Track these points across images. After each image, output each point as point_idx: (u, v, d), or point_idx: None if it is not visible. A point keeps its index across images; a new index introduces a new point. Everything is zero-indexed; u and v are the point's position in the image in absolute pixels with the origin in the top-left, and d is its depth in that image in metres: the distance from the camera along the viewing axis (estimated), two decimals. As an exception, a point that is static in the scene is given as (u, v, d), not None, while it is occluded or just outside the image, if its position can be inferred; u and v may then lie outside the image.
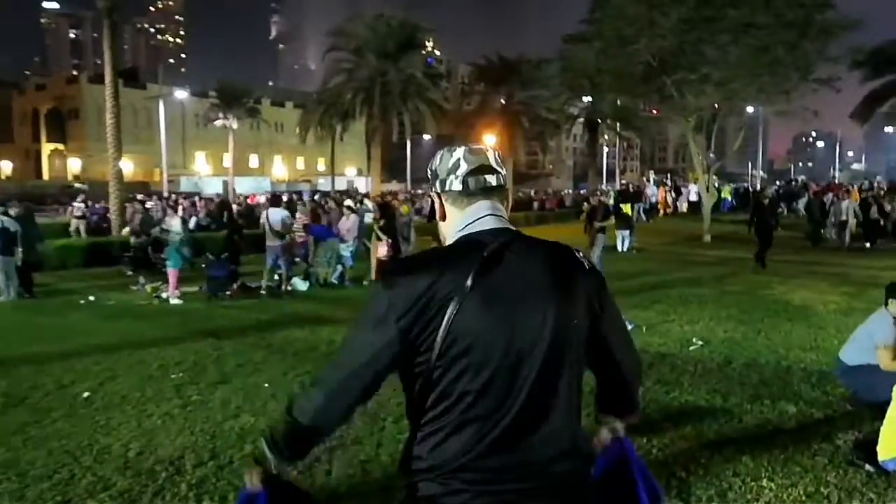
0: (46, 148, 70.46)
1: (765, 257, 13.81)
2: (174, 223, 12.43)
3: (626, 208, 24.34)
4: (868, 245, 17.45)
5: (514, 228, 1.50)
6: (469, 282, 1.35)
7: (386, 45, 34.20)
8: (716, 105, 22.51)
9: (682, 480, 3.90)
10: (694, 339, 7.44)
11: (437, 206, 1.56)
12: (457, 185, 1.51)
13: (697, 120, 21.96)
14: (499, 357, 1.36)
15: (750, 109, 28.91)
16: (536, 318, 1.39)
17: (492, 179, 1.52)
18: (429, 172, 1.60)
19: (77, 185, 54.57)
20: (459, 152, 1.54)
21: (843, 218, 17.76)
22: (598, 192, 28.22)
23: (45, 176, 68.13)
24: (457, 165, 1.51)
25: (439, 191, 1.55)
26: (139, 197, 25.45)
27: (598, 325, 1.50)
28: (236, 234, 12.90)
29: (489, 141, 41.87)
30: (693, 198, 32.04)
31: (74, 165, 67.67)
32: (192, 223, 21.69)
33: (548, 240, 1.54)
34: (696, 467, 4.06)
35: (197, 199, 29.12)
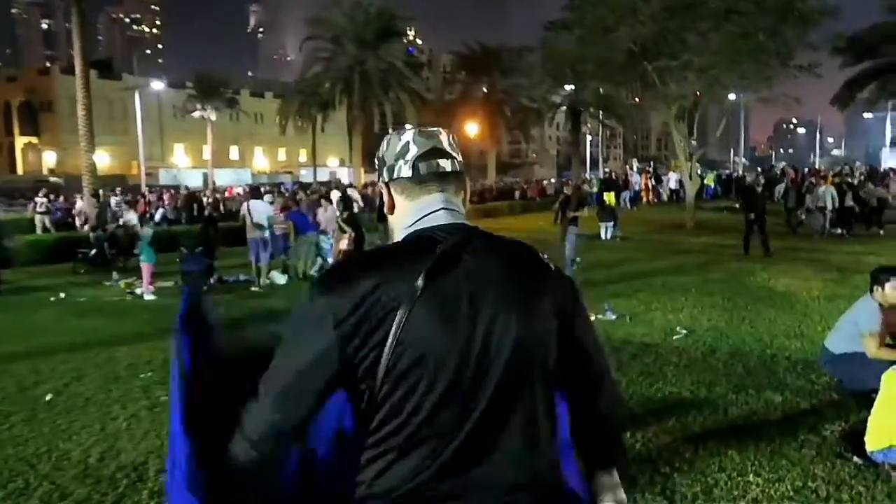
0: (20, 141, 69.04)
1: (749, 241, 13.68)
2: (130, 217, 12.14)
3: (610, 198, 24.31)
4: (843, 232, 17.06)
5: (470, 224, 1.32)
6: (419, 285, 1.17)
7: (364, 34, 33.84)
8: (697, 93, 22.47)
9: (666, 476, 3.77)
10: (678, 329, 7.33)
11: (385, 197, 1.37)
12: (405, 171, 1.32)
13: (679, 108, 21.87)
14: (453, 371, 1.17)
15: (732, 97, 28.94)
16: (496, 327, 1.20)
17: (445, 164, 1.33)
18: (376, 161, 1.41)
19: (52, 178, 53.63)
20: (408, 134, 1.34)
21: (821, 204, 17.48)
22: (583, 181, 28.16)
23: (20, 170, 66.88)
24: (405, 149, 1.32)
25: (387, 179, 1.36)
26: (100, 192, 24.83)
27: (569, 335, 1.31)
28: (211, 227, 12.60)
29: (472, 130, 41.66)
30: (673, 185, 31.89)
31: (49, 159, 66.45)
32: (157, 216, 21.29)
33: (510, 238, 1.36)
34: (681, 462, 3.93)
35: (164, 192, 28.65)
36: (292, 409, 1.21)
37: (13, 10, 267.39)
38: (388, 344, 1.15)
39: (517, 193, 35.36)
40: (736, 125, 63.46)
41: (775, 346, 6.64)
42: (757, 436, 4.30)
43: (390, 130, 1.45)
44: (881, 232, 17.44)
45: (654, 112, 32.47)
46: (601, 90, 32.73)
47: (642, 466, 3.85)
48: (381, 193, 1.40)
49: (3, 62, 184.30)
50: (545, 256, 1.34)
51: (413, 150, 1.32)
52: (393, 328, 1.15)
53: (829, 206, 17.20)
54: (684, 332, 7.22)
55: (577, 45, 21.38)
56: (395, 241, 1.33)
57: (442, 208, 1.30)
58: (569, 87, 39.14)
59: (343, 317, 1.16)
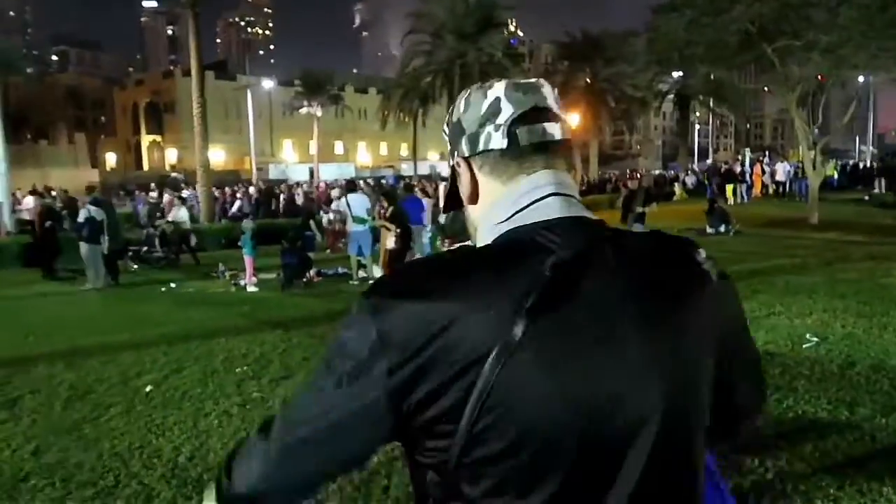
0: (146, 140, 74.27)
1: None
2: (181, 214, 12.40)
3: (729, 191, 22.86)
4: None
5: (592, 217, 0.90)
6: (520, 324, 0.76)
7: (464, 26, 33.58)
8: (819, 76, 20.66)
9: (805, 516, 3.22)
10: (807, 336, 6.54)
11: (463, 180, 0.95)
12: (497, 141, 0.90)
13: (802, 92, 20.19)
14: (573, 454, 0.78)
15: (860, 79, 26.51)
16: (640, 384, 0.81)
17: (554, 130, 0.91)
18: (445, 129, 0.99)
19: (174, 174, 57.26)
20: (498, 88, 0.92)
21: None
22: (645, 174, 26.74)
23: (145, 166, 71.85)
24: (495, 109, 0.90)
25: (467, 154, 0.93)
26: (152, 187, 25.82)
27: (726, 368, 0.91)
28: (311, 220, 12.74)
29: (573, 121, 40.61)
30: (781, 177, 29.64)
31: (171, 156, 71.00)
32: (234, 209, 21.90)
33: (651, 234, 0.93)
34: (824, 499, 3.35)
35: (240, 187, 29.17)
36: (300, 468, 0.85)
37: (142, 19, 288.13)
38: (468, 410, 0.76)
39: (609, 187, 33.59)
40: (863, 110, 58.53)
41: (927, 359, 5.77)
42: (916, 471, 3.64)
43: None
44: None
45: (770, 98, 30.37)
46: (712, 76, 30.89)
47: (775, 502, 3.31)
48: (454, 176, 0.98)
49: (133, 67, 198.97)
50: (701, 254, 0.92)
51: (507, 111, 0.90)
52: (477, 388, 0.76)
53: None
54: (815, 339, 6.43)
55: (686, 27, 20.13)
56: (479, 244, 0.92)
57: (552, 193, 0.88)
58: (676, 74, 37.30)
59: (401, 360, 0.78)
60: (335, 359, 0.83)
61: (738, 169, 30.48)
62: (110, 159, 76.55)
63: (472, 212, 0.96)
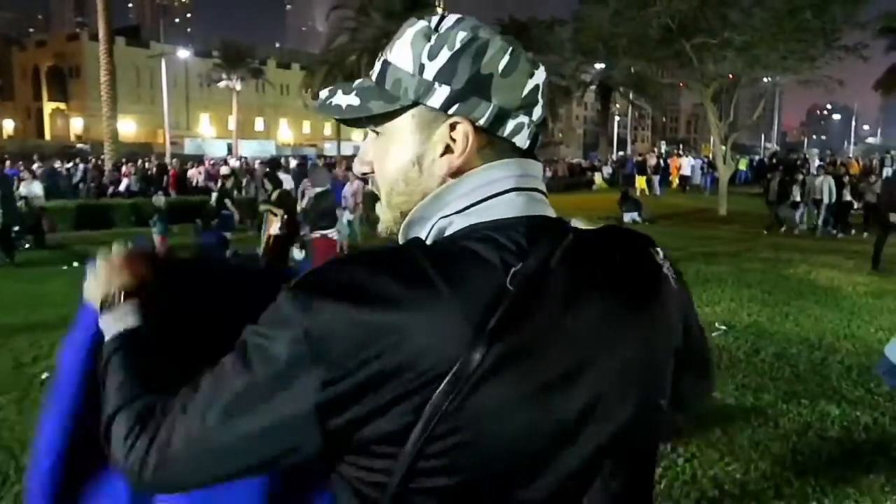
0: (48, 107, 69.61)
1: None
2: (33, 188, 11.70)
3: (641, 182, 23.48)
4: (835, 232, 14.55)
5: (553, 215, 0.80)
6: (480, 346, 0.66)
7: (392, 4, 33.09)
8: (731, 75, 21.60)
9: (714, 502, 3.32)
10: (716, 324, 6.82)
11: (457, 149, 0.76)
12: (522, 139, 0.78)
13: (716, 88, 21.04)
14: (530, 488, 0.71)
15: (766, 79, 27.92)
16: (606, 411, 0.73)
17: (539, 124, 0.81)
18: (424, 59, 0.75)
19: (79, 145, 54.09)
20: (540, 75, 0.79)
21: (817, 197, 14.76)
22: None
23: (47, 135, 67.46)
24: (533, 101, 0.78)
25: (482, 124, 0.75)
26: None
27: (680, 366, 0.84)
28: (227, 198, 12.25)
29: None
30: (686, 171, 29.77)
31: (77, 125, 66.93)
32: (122, 187, 20.16)
33: (610, 230, 0.83)
34: (731, 486, 3.47)
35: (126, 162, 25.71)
36: (211, 466, 0.73)
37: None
38: (414, 439, 0.67)
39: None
40: (769, 108, 61.91)
41: (824, 347, 6.12)
42: (816, 456, 3.83)
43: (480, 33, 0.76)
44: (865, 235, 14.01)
45: (686, 93, 31.56)
46: (633, 68, 31.79)
47: (686, 489, 3.40)
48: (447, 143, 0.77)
49: (35, 28, 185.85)
50: (661, 256, 0.83)
51: (539, 110, 0.78)
52: (425, 415, 0.66)
53: (826, 200, 14.61)
54: (724, 328, 6.71)
55: (611, 19, 20.57)
56: (409, 234, 0.78)
57: (513, 189, 0.76)
58: (599, 65, 38.16)
59: (336, 375, 0.66)
60: (254, 358, 0.70)
61: (653, 161, 31.33)
62: (7, 126, 71.43)
63: (410, 191, 0.79)
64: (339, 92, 0.81)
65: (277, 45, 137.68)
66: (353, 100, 0.79)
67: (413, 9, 33.55)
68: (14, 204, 11.30)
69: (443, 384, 0.65)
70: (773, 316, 7.32)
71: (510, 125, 0.76)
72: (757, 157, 47.12)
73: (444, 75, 0.74)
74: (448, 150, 0.76)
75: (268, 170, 15.36)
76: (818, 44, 18.24)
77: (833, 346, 6.15)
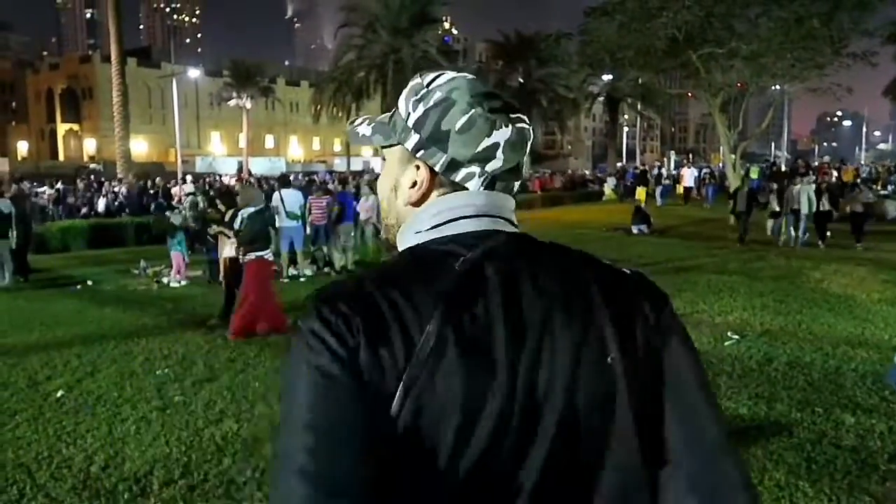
0: (62, 128, 70.45)
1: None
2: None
3: (641, 193, 23.31)
4: (820, 244, 13.74)
5: (508, 230, 0.89)
6: (429, 342, 0.77)
7: (399, 21, 33.36)
8: (738, 84, 21.62)
9: (728, 512, 3.29)
10: (729, 334, 6.79)
11: (417, 184, 0.91)
12: (474, 184, 0.89)
13: (724, 98, 21.04)
14: (461, 473, 0.77)
15: (776, 87, 27.86)
16: (540, 382, 0.79)
17: (514, 187, 0.94)
18: (406, 108, 0.92)
19: (92, 165, 54.68)
20: (503, 133, 0.88)
21: (796, 206, 13.76)
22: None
23: (61, 156, 68.24)
24: (490, 156, 0.88)
25: (438, 171, 0.89)
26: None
27: (652, 382, 0.84)
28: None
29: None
30: (689, 182, 28.96)
31: (90, 146, 67.68)
32: (100, 206, 19.85)
33: (558, 245, 0.90)
34: (745, 495, 3.44)
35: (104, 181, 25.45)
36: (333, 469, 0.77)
37: (58, 0, 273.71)
38: (394, 408, 0.76)
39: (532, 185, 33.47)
40: (778, 117, 61.72)
41: (838, 355, 6.07)
42: (830, 464, 3.80)
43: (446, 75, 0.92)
44: (858, 246, 13.52)
45: (694, 103, 31.53)
46: (640, 79, 31.85)
47: (701, 499, 3.38)
48: (397, 176, 0.93)
49: (48, 51, 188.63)
50: (616, 266, 0.91)
51: (498, 162, 0.88)
52: (402, 383, 0.76)
53: (805, 210, 13.67)
54: (736, 337, 6.67)
55: (617, 31, 20.65)
56: (400, 246, 0.93)
57: (477, 215, 0.88)
58: (607, 77, 38.26)
59: (353, 356, 0.77)
60: (292, 373, 0.80)
61: (655, 172, 30.91)
62: (21, 147, 72.32)
63: (402, 213, 0.94)
64: (364, 122, 0.99)
65: (287, 63, 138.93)
66: (368, 130, 0.97)
67: (420, 25, 33.86)
68: (30, 225, 11.45)
69: (408, 370, 0.75)
70: (785, 325, 7.27)
71: (462, 173, 0.88)
72: (766, 164, 46.93)
73: (418, 125, 0.89)
74: (414, 184, 0.91)
75: (215, 190, 14.42)
76: (826, 51, 18.24)
77: (847, 354, 6.10)
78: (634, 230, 16.71)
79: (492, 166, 0.88)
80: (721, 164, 29.38)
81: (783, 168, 36.96)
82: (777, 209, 14.54)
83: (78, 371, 5.81)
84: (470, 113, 0.87)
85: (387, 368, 0.76)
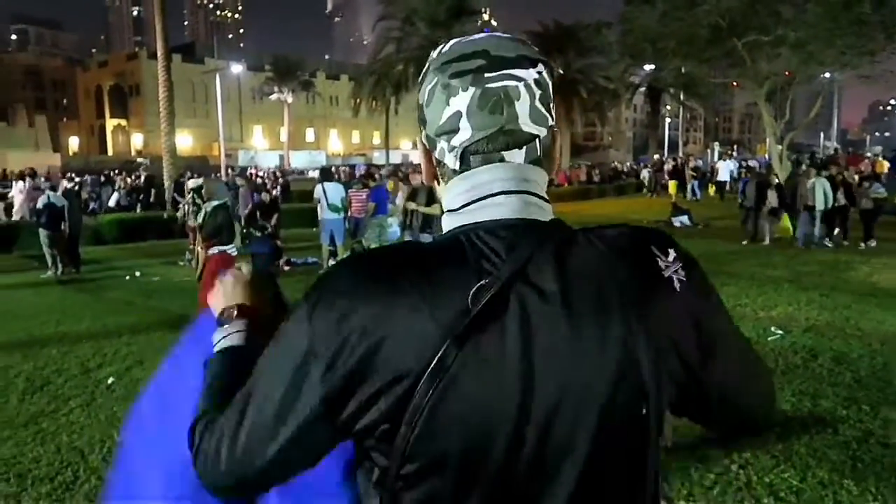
0: (110, 124, 72.55)
1: None
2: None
3: (673, 187, 22.81)
4: (828, 242, 12.69)
5: (545, 219, 0.84)
6: (453, 348, 0.74)
7: (437, 13, 33.37)
8: (786, 73, 21.01)
9: (769, 509, 3.25)
10: (772, 328, 6.65)
11: (423, 160, 0.91)
12: (451, 161, 0.85)
13: (770, 87, 20.50)
14: (497, 476, 0.77)
15: (827, 75, 27.00)
16: (569, 409, 0.77)
17: (514, 157, 0.84)
18: (418, 112, 0.89)
19: (139, 159, 56.10)
20: (462, 100, 0.81)
21: (809, 203, 12.44)
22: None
23: (110, 151, 70.22)
24: (453, 127, 0.83)
25: (426, 146, 0.89)
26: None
27: (704, 375, 0.84)
28: (275, 209, 12.52)
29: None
30: (723, 177, 26.62)
31: (137, 141, 69.49)
32: (111, 202, 19.93)
33: (618, 229, 0.85)
34: (787, 493, 3.39)
35: (118, 175, 26.37)
36: (258, 453, 0.81)
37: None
38: (404, 427, 0.76)
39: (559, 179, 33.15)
40: (827, 106, 59.84)
41: (886, 352, 5.89)
42: (877, 463, 3.71)
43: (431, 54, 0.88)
44: (868, 244, 12.47)
45: (739, 92, 30.79)
46: (683, 69, 31.22)
47: (740, 496, 3.34)
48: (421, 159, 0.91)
49: (96, 48, 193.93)
50: (669, 259, 0.83)
51: (464, 133, 0.82)
52: (412, 405, 0.75)
53: (821, 206, 12.27)
54: (780, 332, 6.54)
55: (659, 20, 20.27)
56: (443, 228, 0.87)
57: (504, 192, 0.82)
58: (648, 67, 37.61)
59: (332, 364, 0.76)
60: (280, 351, 0.81)
61: (691, 164, 29.69)
62: (73, 143, 74.63)
63: (439, 192, 0.91)
64: None
65: (326, 57, 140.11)
66: None
67: (458, 16, 33.80)
68: (81, 217, 11.84)
69: (424, 377, 0.74)
70: (831, 320, 7.09)
71: (437, 149, 0.85)
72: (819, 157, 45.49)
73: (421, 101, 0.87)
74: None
75: (196, 185, 14.48)
76: (878, 37, 17.58)
77: (896, 350, 5.93)
78: (676, 223, 16.46)
79: (458, 139, 0.82)
80: (767, 156, 28.61)
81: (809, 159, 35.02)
82: (776, 205, 13.14)
83: (127, 359, 6.02)
84: (432, 82, 0.83)
85: (374, 383, 0.75)
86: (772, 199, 13.17)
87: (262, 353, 0.83)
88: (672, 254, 0.84)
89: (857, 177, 14.73)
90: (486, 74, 0.80)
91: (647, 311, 0.79)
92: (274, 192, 15.96)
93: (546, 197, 0.86)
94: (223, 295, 1.06)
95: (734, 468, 3.64)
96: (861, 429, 4.20)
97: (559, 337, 0.77)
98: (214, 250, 6.96)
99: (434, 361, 0.74)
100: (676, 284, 0.82)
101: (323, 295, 0.79)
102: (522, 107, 0.81)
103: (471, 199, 0.83)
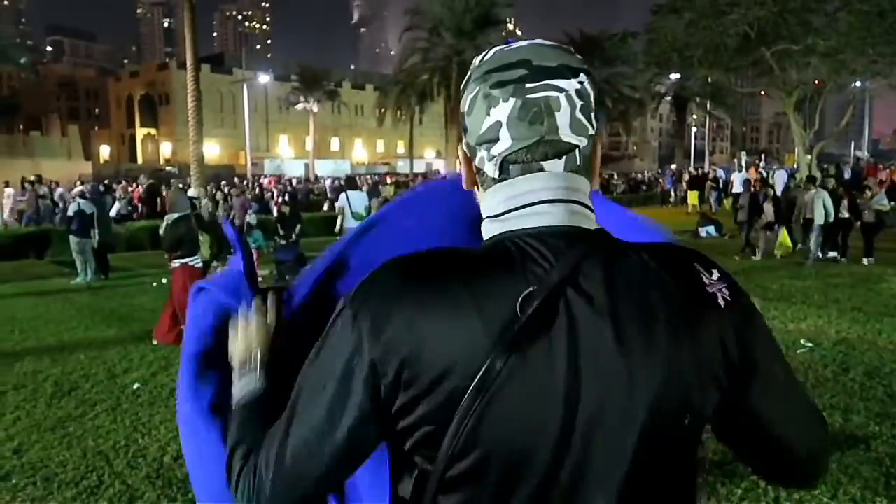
0: (140, 132, 73.83)
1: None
2: None
3: (693, 198, 22.30)
4: (836, 256, 12.00)
5: (591, 227, 0.83)
6: (502, 354, 0.74)
7: (463, 23, 33.49)
8: (815, 82, 20.72)
9: (799, 527, 3.17)
10: (801, 341, 6.52)
11: (464, 166, 0.91)
12: (491, 170, 0.85)
13: (799, 96, 20.23)
14: (539, 483, 0.76)
15: (857, 84, 26.56)
16: (615, 420, 0.76)
17: (554, 167, 0.83)
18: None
19: (168, 168, 57.05)
20: (502, 110, 0.81)
21: (809, 215, 11.75)
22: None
23: (139, 160, 71.48)
24: (493, 137, 0.82)
25: (467, 154, 0.89)
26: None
27: (743, 396, 0.83)
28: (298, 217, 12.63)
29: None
30: (738, 188, 25.60)
31: (166, 149, 70.65)
32: (113, 212, 20.04)
33: (660, 246, 0.86)
34: (818, 510, 3.31)
35: (120, 183, 25.99)
36: (306, 464, 0.82)
37: (138, 10, 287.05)
38: (451, 431, 0.75)
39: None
40: (858, 115, 58.82)
41: (921, 366, 5.74)
42: (911, 481, 3.60)
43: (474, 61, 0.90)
44: (865, 261, 11.66)
45: (766, 101, 30.40)
46: (710, 78, 30.94)
47: (769, 512, 3.27)
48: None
49: (129, 59, 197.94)
50: (714, 277, 0.84)
51: (504, 143, 0.82)
52: (460, 411, 0.75)
53: (821, 220, 11.52)
54: (809, 345, 6.41)
55: (685, 29, 20.16)
56: (484, 234, 0.87)
57: (548, 200, 0.82)
58: (674, 76, 37.37)
59: (380, 367, 0.77)
60: (326, 356, 0.81)
61: (711, 174, 28.93)
62: (104, 151, 76.09)
63: (479, 197, 0.90)
64: None
65: (352, 66, 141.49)
66: None
67: (483, 27, 33.89)
68: (111, 224, 12.05)
69: (473, 383, 0.74)
70: (863, 333, 6.93)
71: (477, 157, 0.86)
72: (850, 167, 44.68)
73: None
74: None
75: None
76: (911, 46, 17.29)
77: (932, 365, 5.76)
78: (702, 233, 16.27)
79: (498, 148, 0.82)
80: (795, 165, 28.18)
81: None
82: (772, 219, 12.39)
83: (153, 365, 6.09)
84: (474, 92, 0.84)
85: (423, 391, 0.75)
86: (768, 212, 12.47)
87: (304, 366, 0.83)
88: (716, 273, 0.84)
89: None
90: (527, 85, 0.81)
91: (692, 323, 0.80)
92: (279, 201, 16.06)
93: (591, 206, 0.86)
94: (242, 341, 1.01)
95: (762, 483, 3.56)
96: (894, 445, 4.08)
97: (605, 345, 0.76)
98: (176, 263, 6.88)
99: (483, 368, 0.74)
100: (721, 301, 0.82)
101: (368, 298, 0.79)
102: (563, 117, 0.81)
103: (513, 206, 0.83)
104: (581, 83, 0.83)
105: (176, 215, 6.99)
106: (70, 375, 5.80)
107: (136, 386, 5.49)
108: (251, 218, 12.39)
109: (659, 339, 0.77)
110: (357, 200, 11.22)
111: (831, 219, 11.64)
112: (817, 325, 7.28)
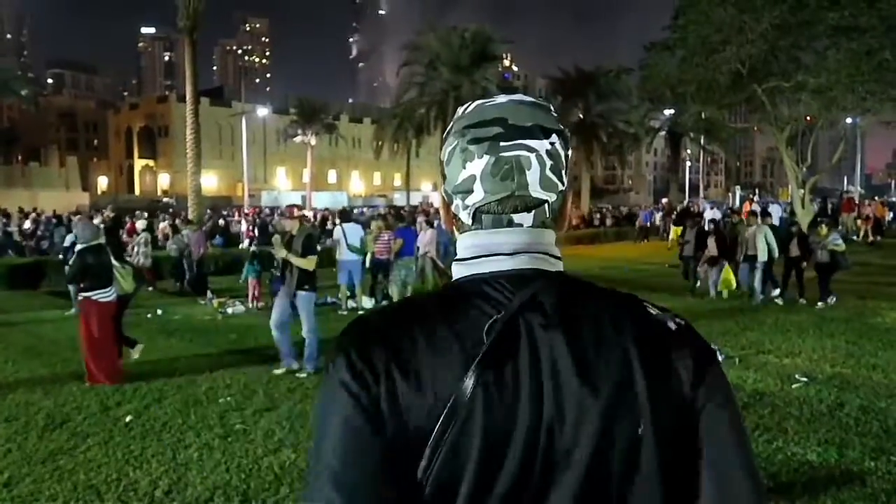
0: (138, 164, 74.21)
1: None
2: None
3: (676, 232, 22.27)
4: (777, 294, 11.49)
5: (550, 269, 0.89)
6: (469, 385, 0.79)
7: (459, 58, 34.01)
8: (807, 117, 21.04)
9: (795, 564, 3.15)
10: (796, 375, 6.52)
11: (442, 208, 0.99)
12: (465, 217, 0.92)
13: (791, 132, 20.50)
14: (510, 485, 0.79)
15: (849, 120, 26.89)
16: (571, 430, 0.80)
17: (524, 220, 0.89)
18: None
19: (165, 199, 57.22)
20: (476, 166, 0.87)
21: (751, 252, 11.31)
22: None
23: (137, 191, 71.71)
24: (468, 189, 0.88)
25: (445, 199, 0.96)
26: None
27: (688, 452, 0.82)
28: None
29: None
30: (777, 222, 26.18)
31: (164, 180, 70.94)
32: (67, 241, 18.82)
33: (603, 290, 0.90)
34: (813, 547, 3.29)
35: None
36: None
37: (139, 44, 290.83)
38: (428, 452, 0.79)
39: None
40: (851, 150, 59.43)
41: (916, 401, 5.74)
42: (907, 518, 3.59)
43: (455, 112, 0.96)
44: (829, 301, 10.90)
45: (760, 136, 30.77)
46: (703, 114, 31.36)
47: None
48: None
49: (128, 91, 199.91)
50: (661, 316, 0.88)
51: (478, 195, 0.88)
52: (434, 437, 0.79)
53: (763, 257, 11.16)
54: (804, 379, 6.40)
55: (678, 66, 20.51)
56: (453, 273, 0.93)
57: (514, 252, 0.88)
58: (668, 111, 37.88)
59: (371, 398, 0.81)
60: (321, 415, 0.85)
61: (696, 209, 28.87)
62: (102, 182, 76.37)
63: (456, 237, 0.97)
64: None
65: (350, 100, 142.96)
66: None
67: (479, 63, 34.40)
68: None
69: (445, 411, 0.78)
70: (858, 367, 6.94)
71: (454, 204, 0.92)
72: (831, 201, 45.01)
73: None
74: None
75: (144, 226, 14.75)
76: (900, 83, 17.60)
77: (926, 400, 5.76)
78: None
79: (472, 199, 0.88)
80: (789, 199, 28.35)
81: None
82: (715, 254, 11.97)
83: (146, 397, 6.05)
84: (453, 145, 0.90)
85: (410, 420, 0.79)
86: (711, 247, 12.05)
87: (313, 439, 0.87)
88: (659, 308, 0.89)
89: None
90: (501, 143, 0.86)
91: (642, 340, 0.83)
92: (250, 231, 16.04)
93: (556, 254, 0.91)
94: None
95: None
96: (890, 481, 4.07)
97: (563, 362, 0.81)
98: (81, 296, 6.67)
99: (457, 392, 0.79)
100: (671, 325, 0.87)
101: (351, 344, 0.85)
102: (533, 175, 0.86)
103: (479, 254, 0.89)
104: (552, 143, 0.87)
105: (80, 246, 6.66)
106: (62, 407, 5.76)
107: (128, 418, 5.45)
108: (253, 247, 12.51)
109: (611, 354, 0.82)
110: (352, 233, 11.24)
111: (775, 255, 11.32)
112: (812, 360, 7.28)
